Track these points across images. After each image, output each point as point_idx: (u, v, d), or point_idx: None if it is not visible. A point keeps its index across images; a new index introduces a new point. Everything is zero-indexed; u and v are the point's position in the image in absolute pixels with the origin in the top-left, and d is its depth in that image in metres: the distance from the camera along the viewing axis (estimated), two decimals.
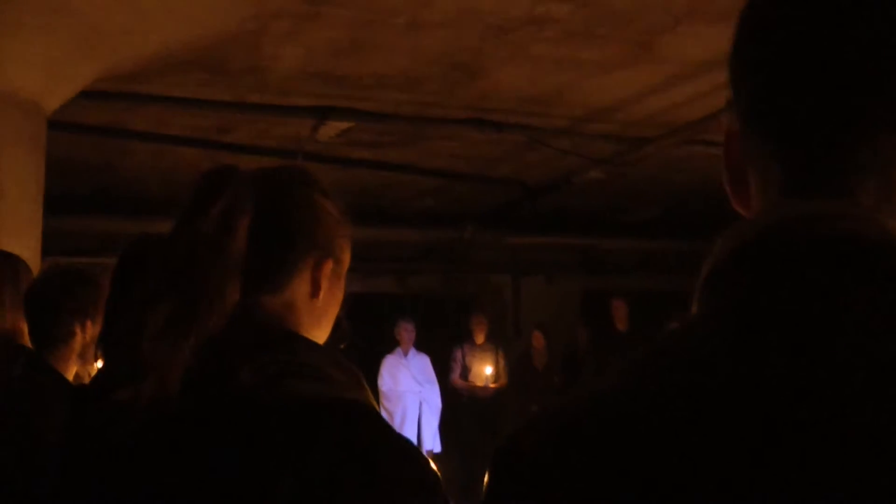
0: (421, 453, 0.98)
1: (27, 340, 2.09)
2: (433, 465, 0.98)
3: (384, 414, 7.34)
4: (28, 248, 3.42)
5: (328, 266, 1.11)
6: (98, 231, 6.75)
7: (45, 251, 3.91)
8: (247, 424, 0.93)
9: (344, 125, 5.53)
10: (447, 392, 7.78)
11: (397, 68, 4.66)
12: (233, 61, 4.47)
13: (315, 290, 1.10)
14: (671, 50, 4.33)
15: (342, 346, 1.21)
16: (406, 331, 7.66)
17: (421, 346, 7.80)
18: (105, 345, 1.32)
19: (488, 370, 7.83)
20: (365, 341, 8.99)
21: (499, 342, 8.20)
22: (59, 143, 4.58)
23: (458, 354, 8.00)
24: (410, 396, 7.45)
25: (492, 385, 7.84)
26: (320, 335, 1.15)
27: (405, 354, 7.66)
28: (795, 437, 0.47)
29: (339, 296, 1.17)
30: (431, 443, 7.49)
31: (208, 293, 0.98)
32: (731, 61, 0.64)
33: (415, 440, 7.26)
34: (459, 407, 7.81)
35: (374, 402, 1.04)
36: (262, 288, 1.06)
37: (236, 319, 1.00)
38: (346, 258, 1.19)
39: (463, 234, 8.74)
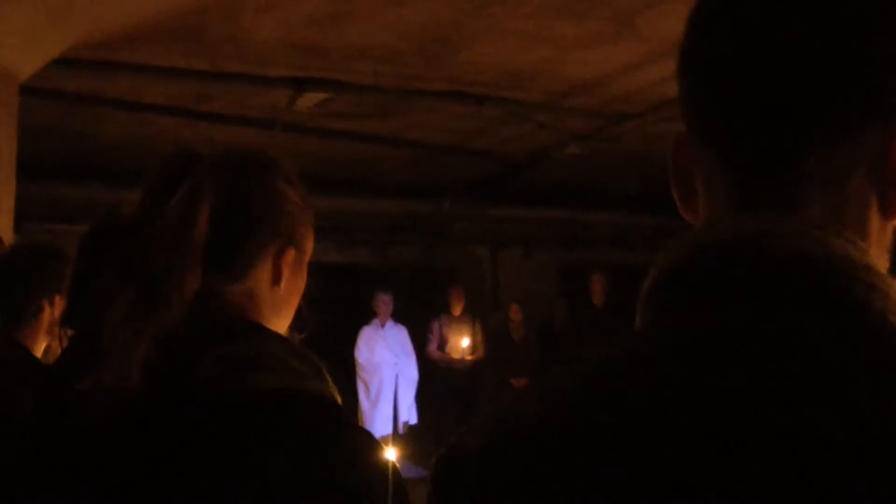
0: (381, 445, 0.98)
1: None
2: (393, 456, 0.98)
3: (360, 385, 7.43)
4: (1, 220, 3.39)
5: (290, 254, 1.10)
6: (75, 198, 6.69)
7: (22, 217, 3.87)
8: (207, 416, 0.93)
9: (322, 96, 5.51)
10: (424, 364, 7.80)
11: (377, 40, 4.64)
12: (211, 31, 4.43)
13: (276, 279, 1.09)
14: (652, 27, 4.33)
15: (302, 335, 1.20)
16: (383, 302, 7.64)
17: (399, 318, 7.80)
18: (68, 327, 1.32)
19: (465, 342, 7.84)
20: (343, 311, 9.03)
21: (476, 314, 8.21)
22: (34, 110, 4.54)
23: (436, 326, 8.00)
24: (387, 368, 7.44)
25: (468, 357, 7.85)
26: (282, 324, 1.14)
27: (382, 326, 7.64)
28: (743, 452, 0.46)
29: (301, 284, 1.17)
30: (407, 414, 7.51)
31: (169, 281, 0.97)
32: (679, 59, 0.62)
33: (391, 411, 7.39)
34: (436, 379, 7.82)
35: (336, 393, 1.04)
36: (223, 276, 1.05)
37: (197, 309, 0.99)
38: (309, 247, 1.18)
39: (442, 206, 8.75)
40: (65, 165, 6.85)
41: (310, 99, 5.55)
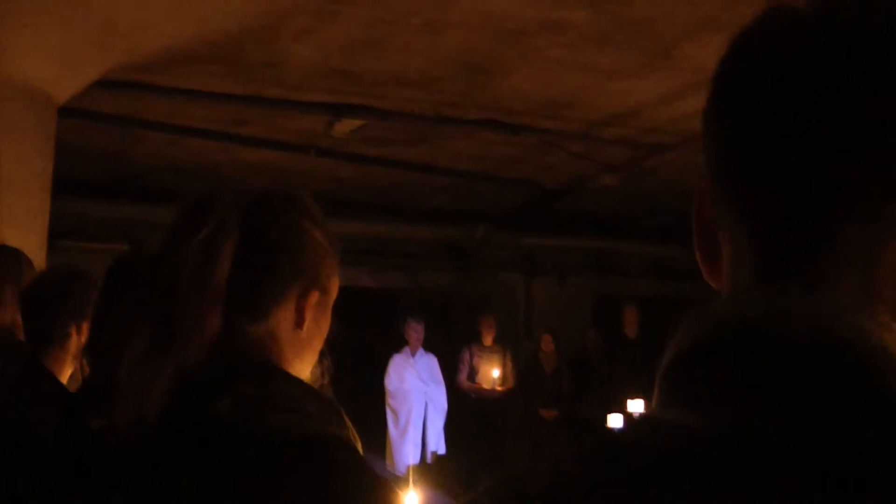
0: (399, 495, 0.97)
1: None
2: (416, 501, 0.97)
3: (389, 413, 7.42)
4: (34, 238, 3.43)
5: (314, 296, 1.10)
6: (109, 217, 6.78)
7: (58, 235, 3.89)
8: (222, 456, 0.92)
9: (358, 122, 5.53)
10: (454, 393, 7.77)
11: (413, 67, 4.65)
12: (248, 55, 4.47)
13: (299, 321, 1.09)
14: (690, 57, 4.29)
15: (325, 381, 1.22)
16: (414, 331, 7.63)
17: (429, 345, 7.79)
18: (90, 358, 1.31)
19: (495, 373, 7.79)
20: (375, 336, 9.04)
21: (507, 344, 8.17)
22: (71, 129, 4.59)
23: (466, 355, 7.98)
24: (416, 396, 7.43)
25: (499, 388, 7.80)
26: (303, 368, 1.14)
27: (413, 354, 7.63)
28: None
29: (325, 327, 1.16)
30: (436, 443, 7.47)
31: (190, 320, 0.97)
32: (704, 114, 0.59)
33: (419, 440, 7.37)
34: (465, 408, 7.78)
35: (356, 439, 1.04)
36: (245, 317, 1.04)
37: (217, 348, 0.99)
38: (334, 289, 1.17)
39: (475, 234, 8.75)
40: (99, 184, 6.94)
41: (346, 125, 5.59)
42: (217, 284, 0.99)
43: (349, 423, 1.04)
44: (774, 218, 0.54)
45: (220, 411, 0.94)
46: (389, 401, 7.46)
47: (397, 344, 7.81)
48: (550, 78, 4.76)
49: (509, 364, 8.03)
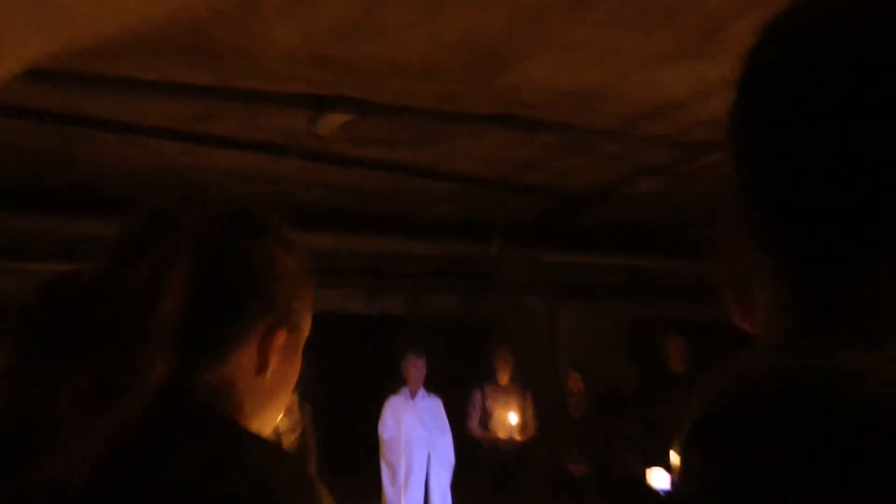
0: None
1: None
2: None
3: (384, 468, 7.43)
4: None
5: (281, 336, 1.11)
6: (53, 233, 6.78)
7: None
8: None
9: (347, 118, 5.52)
10: (462, 443, 7.78)
11: (412, 54, 4.65)
12: (218, 41, 4.47)
13: (262, 366, 1.10)
14: (740, 41, 4.30)
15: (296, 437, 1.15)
16: (415, 367, 7.67)
17: (434, 383, 7.80)
18: (10, 408, 1.30)
19: (513, 418, 7.83)
20: (366, 375, 8.98)
21: (527, 383, 8.20)
22: (3, 130, 4.58)
23: (478, 397, 8.03)
24: (417, 446, 7.46)
25: (517, 437, 7.84)
26: (265, 423, 1.15)
27: (412, 396, 7.67)
28: None
29: (293, 373, 1.17)
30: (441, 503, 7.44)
31: (129, 366, 0.97)
32: (733, 123, 0.60)
33: (421, 500, 7.38)
34: (477, 461, 7.82)
35: None
36: (197, 361, 1.05)
37: (163, 399, 0.99)
38: (305, 326, 1.18)
39: (488, 249, 8.73)
40: (36, 194, 6.93)
41: (333, 121, 5.56)
42: (163, 322, 0.99)
43: (323, 495, 1.04)
44: (817, 261, 0.55)
45: (167, 479, 0.93)
46: (385, 452, 7.47)
47: (394, 383, 7.80)
48: (574, 66, 4.76)
49: (530, 408, 8.08)
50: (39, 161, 6.33)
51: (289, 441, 7.43)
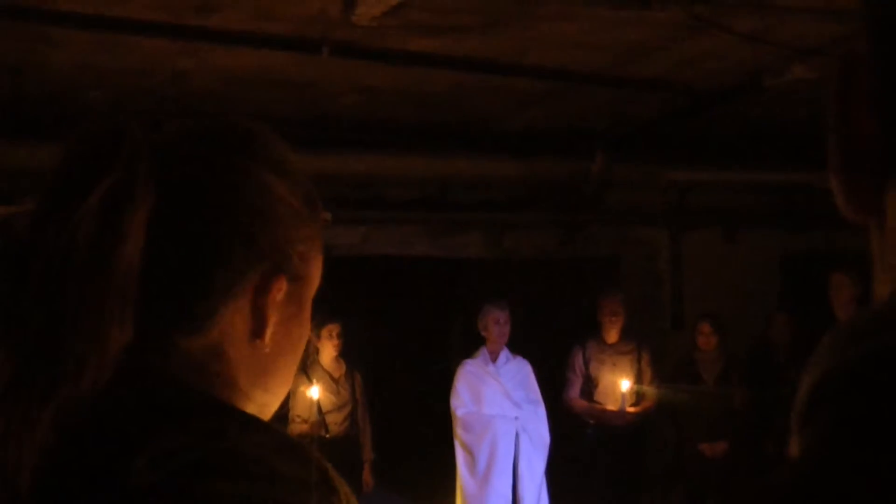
0: None
1: None
2: None
3: (460, 452, 7.50)
4: None
5: (279, 287, 1.12)
6: (7, 165, 6.85)
7: None
8: None
9: (394, 0, 5.40)
10: (560, 417, 7.76)
11: None
12: None
13: (258, 327, 1.11)
14: None
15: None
16: (496, 322, 7.58)
17: (520, 343, 7.78)
18: None
19: (625, 384, 7.81)
20: (433, 333, 8.96)
21: (644, 338, 8.20)
22: None
23: (579, 358, 8.05)
24: (502, 424, 7.40)
25: (631, 409, 7.83)
26: (269, 399, 1.17)
27: (493, 359, 7.62)
28: None
29: (301, 333, 1.19)
30: (535, 498, 7.43)
31: (79, 335, 0.97)
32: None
33: (509, 492, 7.42)
34: (580, 440, 7.84)
35: None
36: (171, 325, 1.07)
37: (126, 376, 1.00)
38: (313, 273, 1.20)
39: (591, 167, 8.73)
40: None
41: (375, 4, 5.45)
42: (123, 274, 0.99)
43: (343, 487, 1.05)
44: None
45: (135, 479, 0.93)
46: (460, 433, 7.46)
47: (470, 343, 7.80)
48: None
49: (648, 370, 8.08)
50: None
51: (336, 422, 7.46)
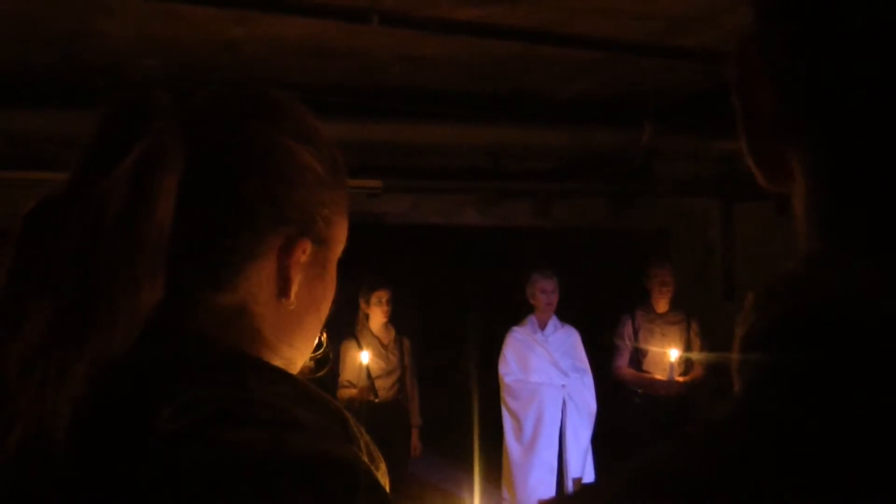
0: None
1: None
2: None
3: (507, 419, 7.50)
4: None
5: (304, 250, 1.16)
6: (67, 134, 6.91)
7: None
8: (165, 492, 0.94)
9: None
10: (608, 387, 7.77)
11: None
12: None
13: (284, 287, 1.15)
14: None
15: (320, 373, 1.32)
16: (544, 291, 7.60)
17: (569, 312, 7.79)
18: None
19: (674, 354, 7.75)
20: (481, 302, 8.94)
21: (693, 308, 8.15)
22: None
23: (628, 327, 8.02)
24: (550, 392, 7.42)
25: (679, 379, 7.78)
26: (293, 356, 1.21)
27: (542, 327, 7.63)
28: None
29: (326, 294, 1.23)
30: (581, 467, 7.47)
31: (113, 290, 1.00)
32: None
33: (555, 461, 7.44)
34: (628, 410, 7.82)
35: (375, 461, 1.09)
36: (199, 283, 1.11)
37: (156, 331, 1.03)
38: (338, 237, 1.23)
39: (639, 137, 8.67)
40: (44, 83, 7.01)
41: None
42: (155, 235, 1.03)
43: (363, 437, 1.10)
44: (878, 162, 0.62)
45: (162, 426, 0.96)
46: (507, 400, 7.48)
47: (518, 312, 7.80)
48: None
49: (697, 340, 8.03)
50: (47, 40, 6.39)
51: (385, 387, 7.49)
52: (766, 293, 0.66)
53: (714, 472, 0.59)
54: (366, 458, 1.06)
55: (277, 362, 1.16)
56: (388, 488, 1.07)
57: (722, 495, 0.58)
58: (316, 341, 1.27)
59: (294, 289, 1.15)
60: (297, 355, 1.22)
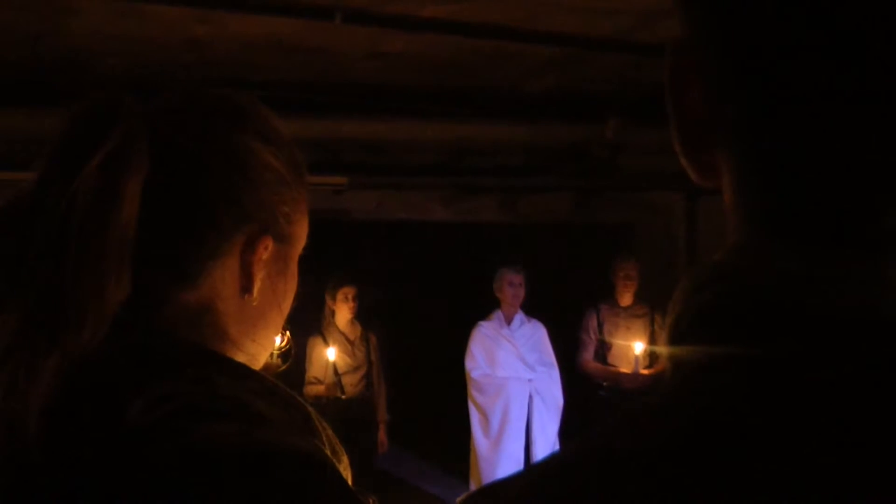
0: None
1: None
2: None
3: (474, 413, 7.49)
4: None
5: (266, 247, 1.19)
6: (30, 131, 6.88)
7: None
8: (134, 484, 0.96)
9: None
10: (573, 380, 7.77)
11: None
12: None
13: (247, 284, 1.18)
14: None
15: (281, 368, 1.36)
16: (511, 284, 7.61)
17: (535, 306, 7.79)
18: None
19: (639, 347, 7.75)
20: (453, 296, 8.92)
21: (658, 303, 8.13)
22: None
23: (593, 321, 8.00)
24: (516, 386, 7.43)
25: (644, 371, 7.78)
26: (256, 351, 1.23)
27: (508, 322, 7.64)
28: None
29: (288, 290, 1.26)
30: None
31: (82, 288, 1.02)
32: None
33: (521, 454, 7.42)
34: (593, 405, 7.80)
35: (337, 454, 1.12)
36: (165, 281, 1.13)
37: (123, 328, 1.05)
38: (298, 234, 1.26)
39: (604, 132, 8.65)
40: (9, 82, 6.98)
41: None
42: (121, 235, 1.05)
43: (325, 431, 1.12)
44: (814, 147, 0.63)
45: (131, 421, 0.98)
46: (474, 394, 7.48)
47: (485, 306, 7.79)
48: None
49: (660, 333, 7.94)
50: (12, 40, 6.34)
51: (352, 383, 7.49)
52: (693, 282, 0.68)
53: (661, 445, 0.61)
54: (328, 452, 1.08)
55: (241, 357, 1.19)
56: (350, 482, 1.09)
57: (668, 465, 0.60)
58: (278, 336, 1.31)
59: (257, 285, 1.18)
60: (260, 350, 1.24)
